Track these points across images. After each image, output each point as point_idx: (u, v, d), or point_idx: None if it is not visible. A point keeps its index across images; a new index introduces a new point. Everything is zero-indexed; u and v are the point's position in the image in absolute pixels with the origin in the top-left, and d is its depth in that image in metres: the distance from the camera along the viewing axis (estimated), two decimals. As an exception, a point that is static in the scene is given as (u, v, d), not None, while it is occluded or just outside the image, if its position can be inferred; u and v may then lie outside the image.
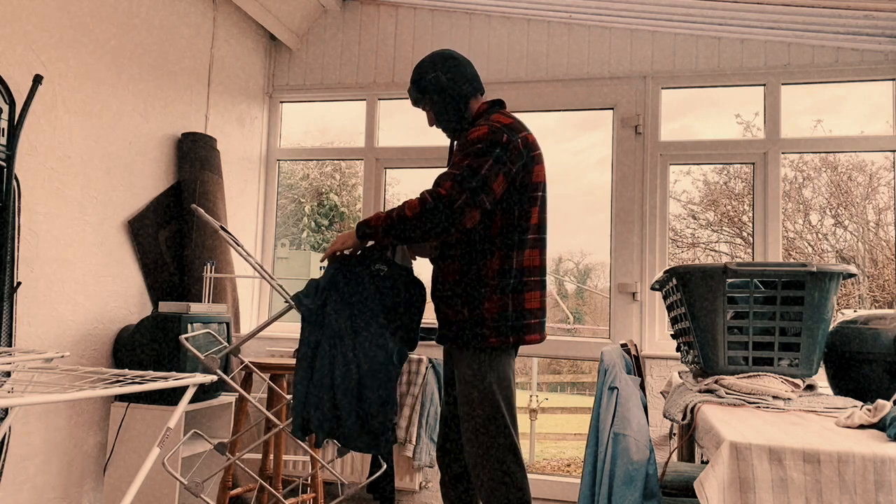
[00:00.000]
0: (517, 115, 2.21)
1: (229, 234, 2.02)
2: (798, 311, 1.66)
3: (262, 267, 1.97)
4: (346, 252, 2.10)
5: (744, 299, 1.70)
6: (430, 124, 2.29)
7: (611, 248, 3.51)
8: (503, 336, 2.04)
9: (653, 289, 2.26)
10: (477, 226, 2.07)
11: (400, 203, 2.02)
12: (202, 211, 1.96)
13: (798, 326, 1.66)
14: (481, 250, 2.06)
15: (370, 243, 2.11)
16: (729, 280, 1.68)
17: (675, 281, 1.77)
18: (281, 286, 2.04)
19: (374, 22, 3.94)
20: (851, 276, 1.71)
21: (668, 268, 1.82)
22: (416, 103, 2.27)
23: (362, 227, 2.03)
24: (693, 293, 1.71)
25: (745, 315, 1.69)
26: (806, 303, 1.65)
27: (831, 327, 1.77)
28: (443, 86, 2.17)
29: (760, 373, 1.64)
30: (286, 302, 1.98)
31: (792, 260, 4.78)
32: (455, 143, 2.32)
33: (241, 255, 1.96)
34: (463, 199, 1.93)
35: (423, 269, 2.56)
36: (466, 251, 2.09)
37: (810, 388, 1.74)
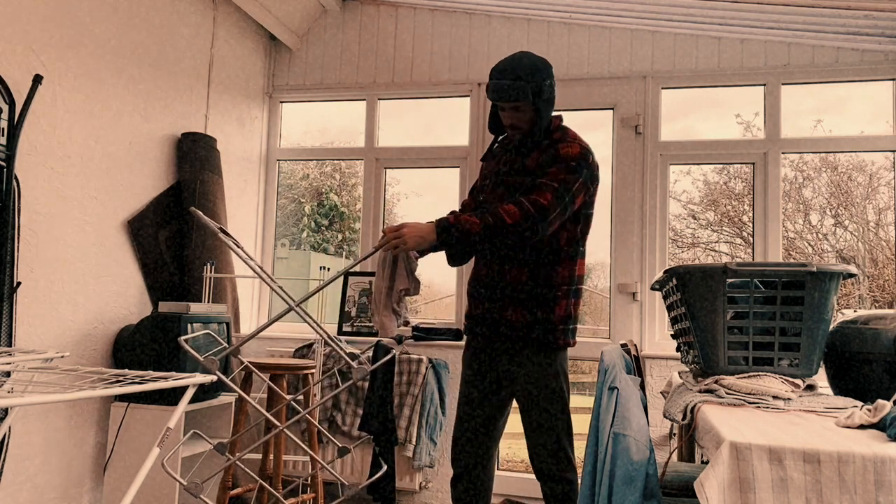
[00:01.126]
0: None
1: (229, 236, 2.02)
2: (798, 311, 1.66)
3: (262, 269, 1.97)
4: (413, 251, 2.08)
5: (744, 299, 1.70)
6: (507, 123, 2.17)
7: (611, 248, 3.51)
8: (568, 337, 2.18)
9: (653, 289, 2.26)
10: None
11: (482, 210, 2.05)
12: (201, 213, 1.95)
13: (798, 326, 1.66)
14: (552, 258, 2.15)
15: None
16: (729, 280, 1.68)
17: (674, 281, 1.77)
18: (281, 288, 2.03)
19: (374, 22, 3.94)
20: (851, 276, 1.71)
21: (668, 268, 1.82)
22: (514, 99, 2.09)
23: (449, 228, 2.00)
24: (693, 293, 1.71)
25: (745, 315, 1.69)
26: (806, 303, 1.65)
27: (831, 327, 1.77)
28: (553, 96, 2.19)
29: (760, 373, 1.64)
30: (287, 304, 1.97)
31: (792, 260, 4.78)
32: (498, 143, 2.34)
33: (241, 257, 1.96)
34: (557, 212, 2.05)
35: (424, 268, 2.55)
36: (539, 257, 2.16)
37: (810, 388, 1.74)
